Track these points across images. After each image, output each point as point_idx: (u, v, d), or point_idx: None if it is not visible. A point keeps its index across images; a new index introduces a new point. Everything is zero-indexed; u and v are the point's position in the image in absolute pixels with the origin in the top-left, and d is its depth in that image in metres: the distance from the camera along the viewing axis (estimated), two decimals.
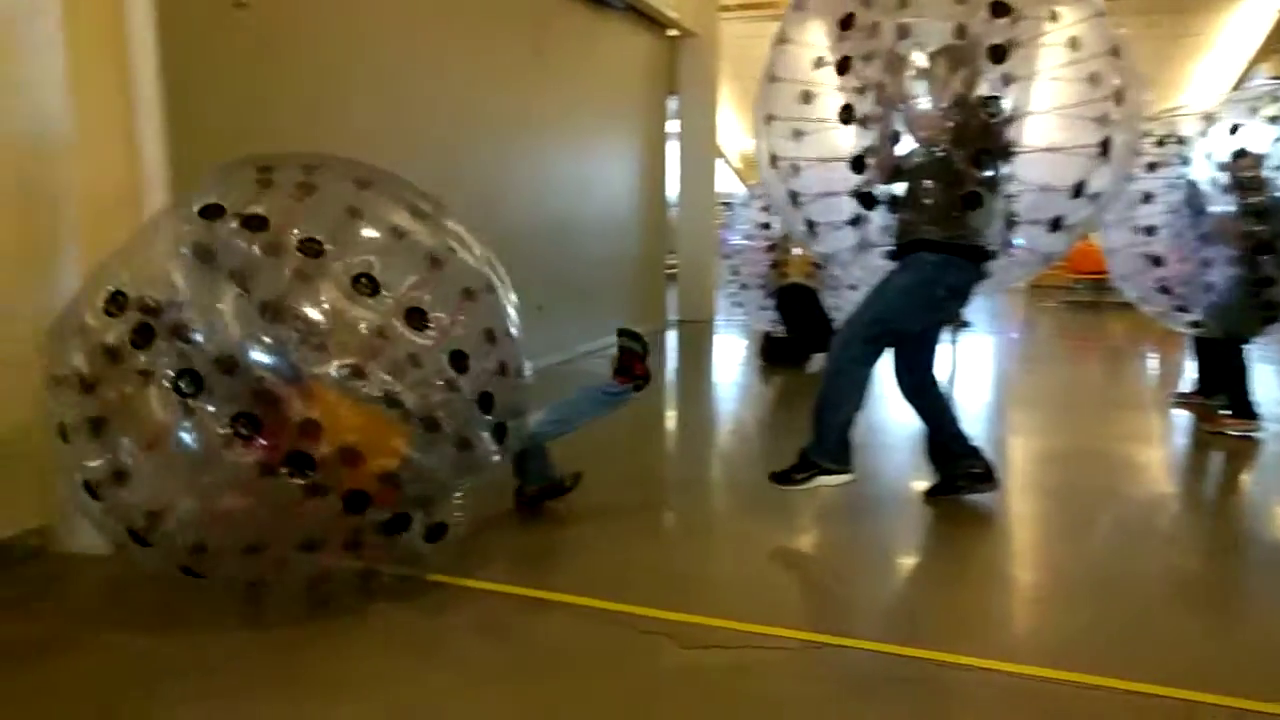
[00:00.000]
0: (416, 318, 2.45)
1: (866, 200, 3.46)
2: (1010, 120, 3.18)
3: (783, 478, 3.36)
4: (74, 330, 2.40)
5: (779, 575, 3.09)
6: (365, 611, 2.58)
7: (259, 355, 2.32)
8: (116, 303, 2.36)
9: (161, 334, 2.31)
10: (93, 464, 2.34)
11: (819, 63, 3.45)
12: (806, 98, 3.50)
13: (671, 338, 8.44)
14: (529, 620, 2.60)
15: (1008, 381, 7.06)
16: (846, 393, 3.30)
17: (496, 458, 2.69)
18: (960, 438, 3.57)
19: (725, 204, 9.93)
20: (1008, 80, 3.15)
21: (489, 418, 2.62)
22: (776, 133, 3.60)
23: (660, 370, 7.24)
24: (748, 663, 2.34)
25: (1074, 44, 3.21)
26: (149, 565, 2.49)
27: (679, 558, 3.16)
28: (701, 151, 9.25)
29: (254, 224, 2.40)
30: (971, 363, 7.35)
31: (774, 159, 3.62)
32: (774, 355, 6.87)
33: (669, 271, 9.24)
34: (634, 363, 3.43)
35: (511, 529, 3.33)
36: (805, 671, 2.31)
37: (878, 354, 3.33)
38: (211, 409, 2.29)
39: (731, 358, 7.70)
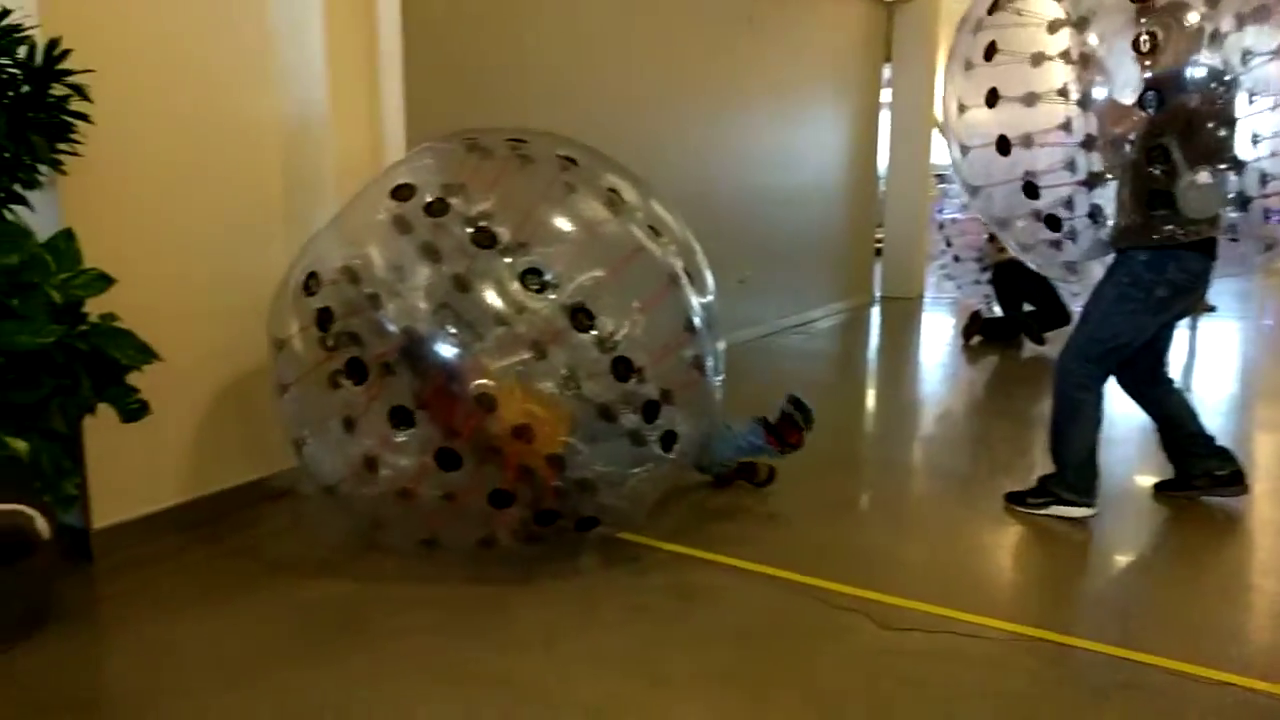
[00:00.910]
0: (584, 315, 2.41)
1: (1052, 223, 3.21)
2: (1226, 85, 2.79)
3: (1016, 498, 3.22)
4: (286, 300, 2.63)
5: (983, 563, 2.96)
6: (569, 572, 2.73)
7: (441, 334, 2.41)
8: (310, 283, 2.55)
9: (357, 305, 2.46)
10: (299, 422, 2.60)
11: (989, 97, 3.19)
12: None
13: (875, 314, 8.22)
14: (724, 587, 2.64)
15: (1259, 373, 6.35)
16: (1077, 422, 3.08)
17: (666, 458, 2.64)
18: (1201, 436, 3.26)
19: (939, 176, 9.47)
20: (1244, 20, 2.75)
21: (661, 420, 2.54)
22: (970, 160, 3.37)
23: (864, 348, 7.08)
24: (951, 649, 2.28)
25: None
26: (356, 509, 2.70)
27: (876, 537, 3.11)
28: (915, 121, 8.87)
29: (440, 208, 2.48)
30: (1215, 352, 6.67)
31: (972, 189, 3.42)
32: (984, 334, 6.53)
33: (876, 245, 8.97)
34: (791, 432, 3.33)
35: (707, 499, 3.39)
36: (1014, 664, 2.22)
37: (1105, 374, 3.08)
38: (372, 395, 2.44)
39: (939, 337, 7.39)
